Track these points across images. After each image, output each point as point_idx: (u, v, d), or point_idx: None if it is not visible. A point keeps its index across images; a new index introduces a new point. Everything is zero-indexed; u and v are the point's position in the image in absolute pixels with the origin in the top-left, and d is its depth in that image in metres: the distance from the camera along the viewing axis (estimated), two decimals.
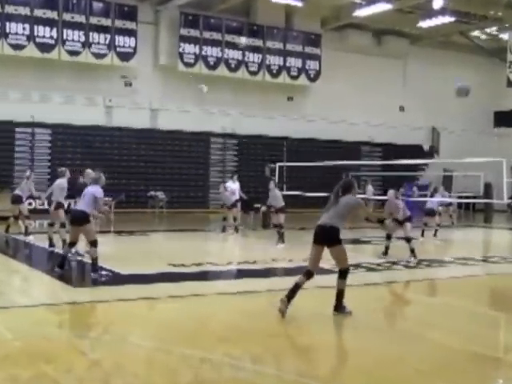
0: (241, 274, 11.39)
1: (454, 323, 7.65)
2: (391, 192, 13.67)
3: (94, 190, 10.13)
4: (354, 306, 7.65)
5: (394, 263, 12.48)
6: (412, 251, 12.92)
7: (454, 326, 7.51)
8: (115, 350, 6.10)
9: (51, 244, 13.08)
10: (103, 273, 10.03)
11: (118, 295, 8.70)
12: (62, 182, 13.00)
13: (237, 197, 19.04)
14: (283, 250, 14.07)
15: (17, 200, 14.88)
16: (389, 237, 13.37)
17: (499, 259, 13.98)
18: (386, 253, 13.28)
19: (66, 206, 13.45)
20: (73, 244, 10.34)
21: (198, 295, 8.77)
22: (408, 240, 13.07)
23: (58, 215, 13.03)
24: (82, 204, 10.20)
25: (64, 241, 12.78)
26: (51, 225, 13.30)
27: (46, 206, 16.63)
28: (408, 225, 13.20)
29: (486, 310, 9.15)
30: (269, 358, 5.76)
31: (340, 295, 7.62)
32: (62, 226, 13.06)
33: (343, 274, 7.64)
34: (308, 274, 7.60)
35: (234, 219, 18.06)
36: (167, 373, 5.36)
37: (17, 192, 15.03)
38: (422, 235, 17.71)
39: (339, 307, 7.62)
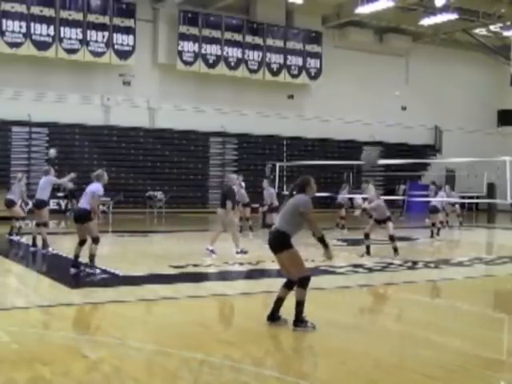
0: (240, 275, 11.25)
1: (459, 326, 7.47)
2: (372, 191, 13.68)
3: (95, 188, 10.23)
4: (355, 307, 7.44)
5: (389, 264, 12.23)
6: (395, 250, 12.97)
7: (459, 328, 7.32)
8: (113, 353, 6.02)
9: (34, 244, 12.90)
10: (97, 271, 10.14)
11: (115, 297, 8.59)
12: (46, 181, 12.88)
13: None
14: None
15: (11, 204, 14.72)
16: (367, 236, 13.36)
17: (504, 260, 13.72)
18: (368, 252, 13.27)
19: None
20: (83, 242, 10.31)
21: (197, 297, 8.68)
22: (391, 239, 13.09)
23: (42, 214, 12.93)
24: (83, 201, 10.28)
25: (44, 240, 12.72)
26: (38, 225, 13.08)
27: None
28: (390, 223, 13.26)
29: (491, 312, 8.97)
30: (270, 360, 5.71)
31: (299, 307, 6.81)
32: (45, 225, 13.01)
33: (301, 282, 6.79)
34: (288, 285, 6.98)
35: (247, 219, 17.71)
36: (167, 376, 5.28)
37: (8, 196, 14.89)
38: (432, 236, 17.51)
39: (299, 322, 6.80)
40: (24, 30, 23.78)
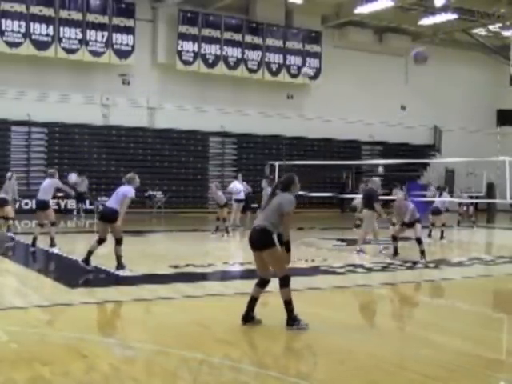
0: (239, 274, 11.24)
1: (459, 326, 7.44)
2: (400, 194, 13.38)
3: (127, 190, 10.38)
4: (355, 307, 7.40)
5: (393, 264, 12.21)
6: (422, 253, 12.66)
7: (460, 328, 7.30)
8: (113, 353, 6.03)
9: (34, 244, 12.83)
10: (127, 268, 10.20)
11: (115, 297, 8.59)
12: (51, 183, 12.91)
13: (241, 196, 18.63)
14: None
15: (4, 203, 14.71)
16: (395, 238, 13.17)
17: (504, 260, 13.72)
18: (396, 253, 13.11)
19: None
20: (102, 241, 10.29)
21: (197, 297, 8.68)
22: (419, 241, 12.78)
23: (48, 215, 12.90)
24: (113, 201, 10.32)
25: (52, 239, 12.83)
26: (41, 225, 13.04)
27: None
28: (419, 226, 12.93)
29: (491, 312, 8.96)
30: (269, 360, 5.69)
31: (288, 306, 6.77)
32: (53, 224, 13.02)
33: (283, 281, 6.77)
34: (261, 284, 6.97)
35: (224, 220, 17.17)
36: (167, 376, 5.27)
37: (1, 195, 14.87)
38: (429, 236, 17.42)
39: (291, 320, 6.75)
40: (23, 29, 23.78)
